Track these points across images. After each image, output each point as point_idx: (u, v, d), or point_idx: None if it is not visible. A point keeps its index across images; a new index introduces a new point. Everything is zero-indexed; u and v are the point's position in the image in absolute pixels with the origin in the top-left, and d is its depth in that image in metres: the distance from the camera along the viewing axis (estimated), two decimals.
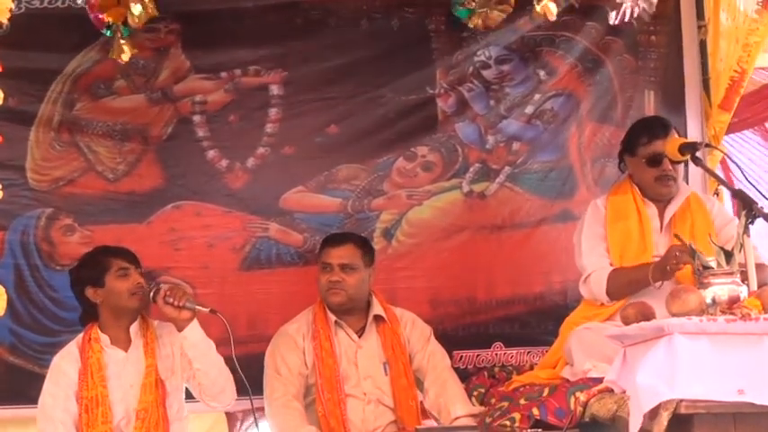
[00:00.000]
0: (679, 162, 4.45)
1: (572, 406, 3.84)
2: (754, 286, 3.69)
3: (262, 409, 4.60)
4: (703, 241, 4.02)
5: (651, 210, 4.51)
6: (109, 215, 5.06)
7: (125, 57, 4.79)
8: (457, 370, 4.85)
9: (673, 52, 5.39)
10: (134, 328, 4.37)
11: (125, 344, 4.36)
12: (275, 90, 5.20)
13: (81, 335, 4.38)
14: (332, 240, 4.74)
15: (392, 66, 5.23)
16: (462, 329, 5.21)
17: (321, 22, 5.20)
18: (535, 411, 4.07)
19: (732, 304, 3.36)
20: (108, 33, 4.77)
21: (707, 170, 4.76)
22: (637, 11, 4.75)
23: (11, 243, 4.99)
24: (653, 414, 3.24)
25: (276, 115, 5.19)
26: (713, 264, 3.45)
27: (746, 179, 4.61)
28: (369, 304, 4.73)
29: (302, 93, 5.19)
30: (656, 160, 4.46)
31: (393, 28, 5.25)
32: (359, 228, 5.11)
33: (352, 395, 4.60)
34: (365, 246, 4.76)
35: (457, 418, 4.51)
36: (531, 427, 4.04)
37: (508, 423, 4.13)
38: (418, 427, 4.47)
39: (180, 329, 4.29)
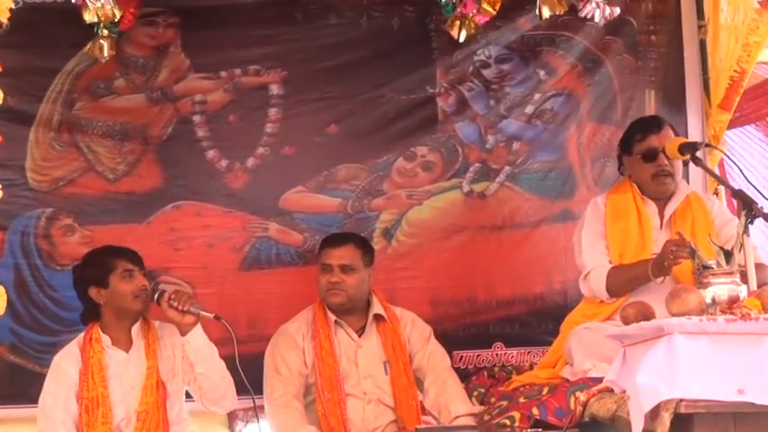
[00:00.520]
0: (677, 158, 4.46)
1: (572, 406, 3.85)
2: (754, 286, 3.69)
3: (261, 407, 4.60)
4: (703, 240, 4.04)
5: (651, 208, 4.52)
6: (109, 215, 5.06)
7: (104, 54, 4.73)
8: (457, 370, 4.85)
9: (673, 52, 5.38)
10: (135, 329, 4.35)
11: (126, 345, 4.34)
12: (275, 90, 5.20)
13: (82, 334, 4.36)
14: (332, 241, 4.73)
15: (392, 65, 5.23)
16: (462, 329, 5.21)
17: (321, 16, 5.20)
18: (535, 411, 4.07)
19: (732, 304, 3.36)
20: (98, 32, 4.73)
21: (707, 170, 4.76)
22: (599, 14, 4.66)
23: (11, 243, 4.99)
24: (654, 414, 3.24)
25: (276, 115, 5.19)
26: (713, 263, 3.46)
27: (746, 179, 4.61)
28: (369, 304, 4.72)
29: (302, 92, 5.19)
30: (651, 155, 4.46)
31: (393, 27, 5.25)
32: (359, 228, 5.11)
33: (352, 395, 4.59)
34: (365, 246, 4.75)
35: (457, 418, 4.51)
36: (531, 427, 4.05)
37: (507, 422, 4.13)
38: (418, 426, 4.46)
39: (183, 334, 4.26)
